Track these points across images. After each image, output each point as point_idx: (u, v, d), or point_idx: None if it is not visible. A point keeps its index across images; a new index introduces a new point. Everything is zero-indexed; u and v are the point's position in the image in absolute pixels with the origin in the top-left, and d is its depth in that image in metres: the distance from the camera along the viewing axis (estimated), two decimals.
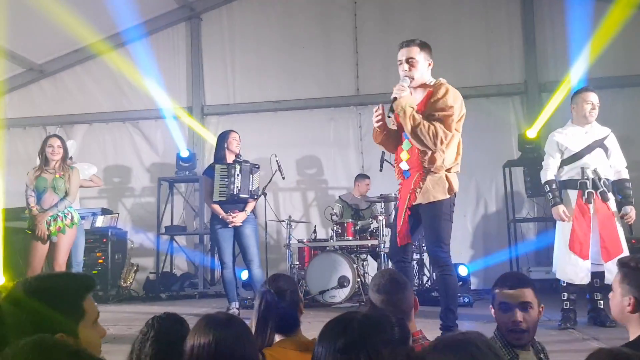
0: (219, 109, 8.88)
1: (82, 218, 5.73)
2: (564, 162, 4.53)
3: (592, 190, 4.35)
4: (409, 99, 3.55)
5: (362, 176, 7.46)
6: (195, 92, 8.89)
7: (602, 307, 4.42)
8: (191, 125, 8.72)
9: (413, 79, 3.63)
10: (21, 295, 1.49)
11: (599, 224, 4.31)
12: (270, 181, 6.60)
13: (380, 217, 6.17)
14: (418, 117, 3.49)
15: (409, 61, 3.62)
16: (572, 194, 4.44)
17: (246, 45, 8.87)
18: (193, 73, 8.94)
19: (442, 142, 3.47)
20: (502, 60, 8.25)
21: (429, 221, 3.62)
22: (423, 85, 3.69)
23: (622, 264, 2.11)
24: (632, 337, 2.01)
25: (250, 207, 5.49)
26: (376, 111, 3.71)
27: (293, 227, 6.80)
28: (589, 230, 4.33)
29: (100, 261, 7.44)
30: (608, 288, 2.37)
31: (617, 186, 4.49)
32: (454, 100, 3.55)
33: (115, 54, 8.81)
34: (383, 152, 6.40)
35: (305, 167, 8.53)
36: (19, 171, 8.29)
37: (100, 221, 7.64)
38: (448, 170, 3.63)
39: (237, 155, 5.50)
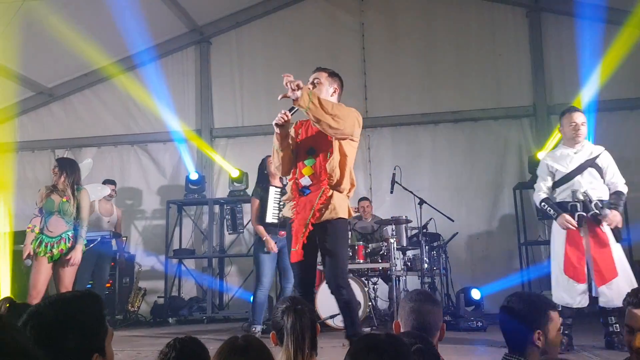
0: (228, 131, 8.88)
1: (93, 242, 5.68)
2: (556, 184, 4.50)
3: (583, 213, 4.31)
4: (306, 91, 3.35)
5: (365, 198, 7.45)
6: (204, 115, 8.91)
7: (618, 330, 4.31)
8: (201, 147, 8.70)
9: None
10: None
11: (592, 247, 4.24)
12: None
13: (391, 240, 6.09)
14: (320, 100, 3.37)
15: (314, 81, 3.66)
16: None
17: (254, 69, 8.90)
18: (202, 96, 8.97)
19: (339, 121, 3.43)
20: (510, 83, 8.24)
21: (330, 242, 3.38)
22: None
23: None
24: None
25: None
26: (284, 114, 3.55)
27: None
28: (582, 253, 4.28)
29: (108, 285, 7.36)
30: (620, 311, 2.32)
31: (611, 198, 4.39)
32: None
33: (125, 77, 8.87)
34: (394, 174, 6.36)
35: None
36: (27, 194, 8.32)
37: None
38: (346, 192, 3.53)
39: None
